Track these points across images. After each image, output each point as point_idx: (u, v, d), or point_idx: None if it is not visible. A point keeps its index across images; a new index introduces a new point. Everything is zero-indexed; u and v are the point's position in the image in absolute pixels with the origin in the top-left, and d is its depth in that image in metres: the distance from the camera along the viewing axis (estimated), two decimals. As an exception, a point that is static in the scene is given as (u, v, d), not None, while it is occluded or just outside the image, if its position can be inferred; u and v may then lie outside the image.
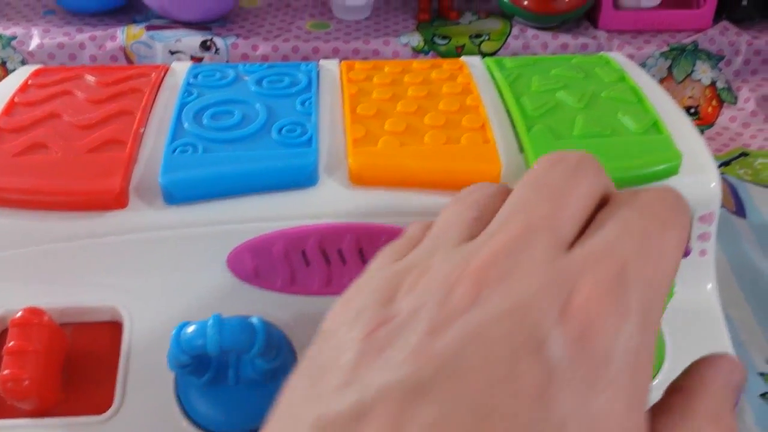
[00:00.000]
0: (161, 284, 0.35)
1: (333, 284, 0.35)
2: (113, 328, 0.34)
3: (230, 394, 0.31)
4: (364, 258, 0.35)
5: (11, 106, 0.38)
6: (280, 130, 0.36)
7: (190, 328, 0.29)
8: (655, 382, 0.34)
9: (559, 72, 0.42)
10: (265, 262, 0.35)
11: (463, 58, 0.45)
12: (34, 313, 0.31)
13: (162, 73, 0.41)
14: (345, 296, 0.24)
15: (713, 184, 0.37)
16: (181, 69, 0.42)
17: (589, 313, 0.20)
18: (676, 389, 0.24)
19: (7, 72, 0.68)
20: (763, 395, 0.43)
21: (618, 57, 0.45)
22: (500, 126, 0.38)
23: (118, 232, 0.33)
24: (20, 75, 0.41)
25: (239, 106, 0.38)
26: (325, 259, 0.35)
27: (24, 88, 0.39)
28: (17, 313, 0.31)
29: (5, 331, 0.32)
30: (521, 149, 0.36)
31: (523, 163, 0.36)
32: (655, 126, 0.37)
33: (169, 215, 0.34)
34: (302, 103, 0.38)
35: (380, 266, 0.26)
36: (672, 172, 0.36)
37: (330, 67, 0.43)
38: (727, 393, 0.24)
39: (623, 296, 0.20)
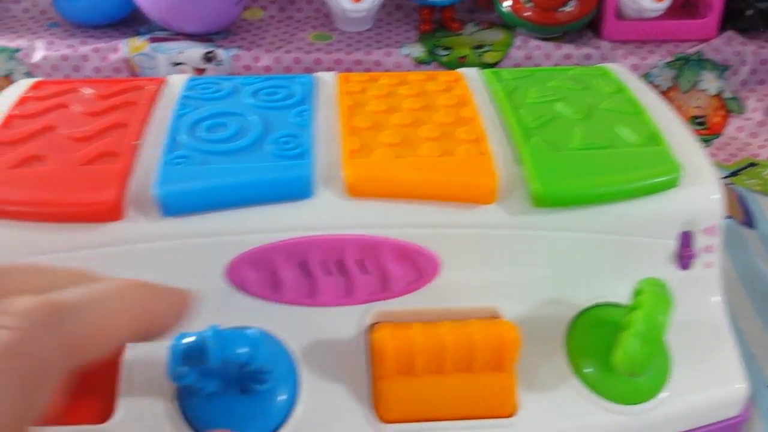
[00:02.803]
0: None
1: (331, 294, 0.35)
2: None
3: (231, 404, 0.31)
4: (364, 268, 0.35)
5: (9, 119, 0.38)
6: (274, 143, 0.36)
7: (188, 340, 0.28)
8: (662, 395, 0.34)
9: (556, 83, 0.42)
10: (264, 273, 0.35)
11: (460, 70, 0.45)
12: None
13: (158, 86, 0.41)
14: None
15: (715, 196, 0.36)
16: (177, 81, 0.42)
17: None
18: None
19: (10, 84, 0.69)
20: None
21: (616, 68, 0.45)
22: (497, 138, 0.38)
23: (114, 243, 0.33)
24: (19, 88, 0.42)
25: (234, 118, 0.38)
26: (324, 270, 0.35)
27: (22, 101, 0.39)
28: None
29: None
30: (518, 161, 0.36)
31: (520, 175, 0.36)
32: (654, 138, 0.37)
33: (165, 227, 0.33)
34: (297, 116, 0.38)
35: None
36: (671, 184, 0.36)
37: (327, 79, 0.43)
38: None
39: None
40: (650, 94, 0.42)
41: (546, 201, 0.34)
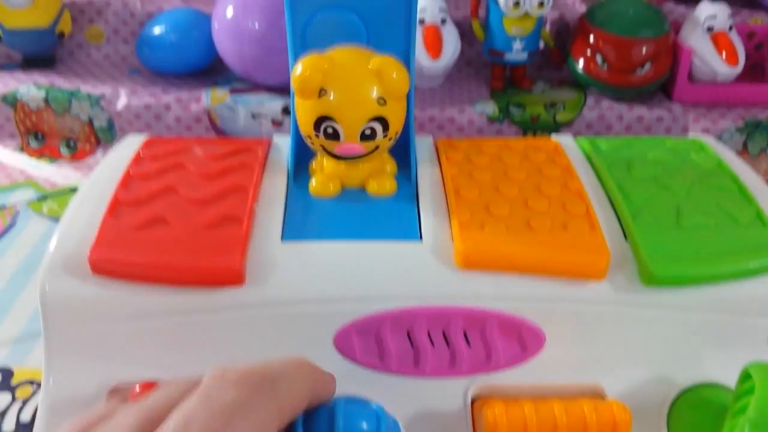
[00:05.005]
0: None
1: (435, 365, 0.36)
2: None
3: None
4: (468, 341, 0.36)
5: (127, 178, 0.39)
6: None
7: (317, 408, 0.28)
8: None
9: (656, 156, 0.42)
10: (370, 342, 0.35)
11: (556, 138, 0.45)
12: (151, 388, 0.32)
13: (266, 148, 0.43)
14: None
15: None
16: (283, 143, 0.44)
17: None
18: None
19: (93, 130, 0.71)
20: None
21: (710, 141, 0.45)
22: (602, 211, 0.38)
23: (235, 308, 0.34)
24: (130, 145, 0.43)
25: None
26: (430, 340, 0.36)
27: (137, 160, 0.41)
28: (135, 386, 0.32)
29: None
30: (627, 237, 0.37)
31: (630, 252, 0.36)
32: (759, 218, 0.37)
33: (281, 293, 0.34)
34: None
35: None
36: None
37: (425, 143, 0.44)
38: None
39: None
40: (746, 169, 0.43)
41: (657, 280, 0.35)
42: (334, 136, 0.36)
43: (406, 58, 0.38)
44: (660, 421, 0.35)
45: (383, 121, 0.36)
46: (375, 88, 0.35)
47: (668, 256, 0.35)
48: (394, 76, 0.35)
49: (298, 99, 0.37)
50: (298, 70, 0.35)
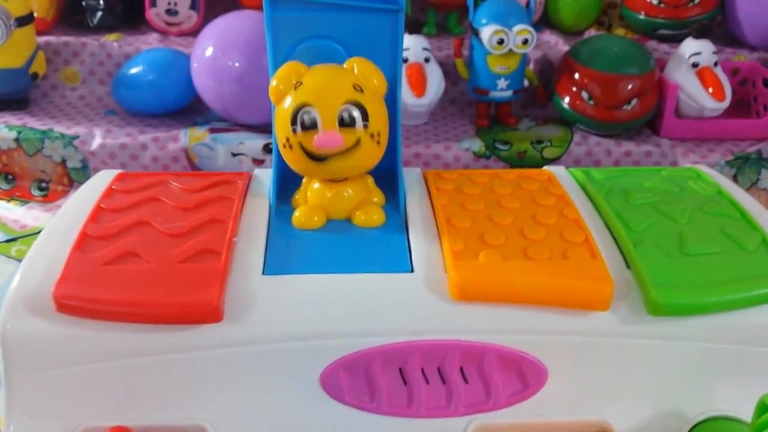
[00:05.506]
0: (251, 402, 0.33)
1: (430, 404, 0.33)
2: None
3: None
4: (465, 377, 0.33)
5: (97, 211, 0.37)
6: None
7: None
8: None
9: (652, 185, 0.41)
10: (360, 381, 0.33)
11: (548, 168, 0.44)
12: (121, 433, 0.30)
13: (247, 181, 0.40)
14: None
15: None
16: (264, 176, 0.42)
17: None
18: None
19: (66, 171, 0.68)
20: None
21: (707, 170, 0.44)
22: (601, 239, 0.36)
23: (212, 346, 0.32)
24: (101, 180, 0.41)
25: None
26: (424, 378, 0.33)
27: (109, 193, 0.38)
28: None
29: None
30: (629, 266, 0.35)
31: (633, 280, 0.34)
32: (766, 244, 0.36)
33: (265, 330, 0.32)
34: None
35: None
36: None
37: (413, 175, 0.42)
38: None
39: None
40: (746, 196, 0.41)
41: (664, 309, 0.33)
42: (312, 125, 0.34)
43: (393, 88, 0.37)
44: (672, 461, 0.33)
45: (361, 109, 0.34)
46: (350, 77, 0.35)
47: (674, 284, 0.33)
48: (368, 65, 0.35)
49: (277, 110, 0.35)
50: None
